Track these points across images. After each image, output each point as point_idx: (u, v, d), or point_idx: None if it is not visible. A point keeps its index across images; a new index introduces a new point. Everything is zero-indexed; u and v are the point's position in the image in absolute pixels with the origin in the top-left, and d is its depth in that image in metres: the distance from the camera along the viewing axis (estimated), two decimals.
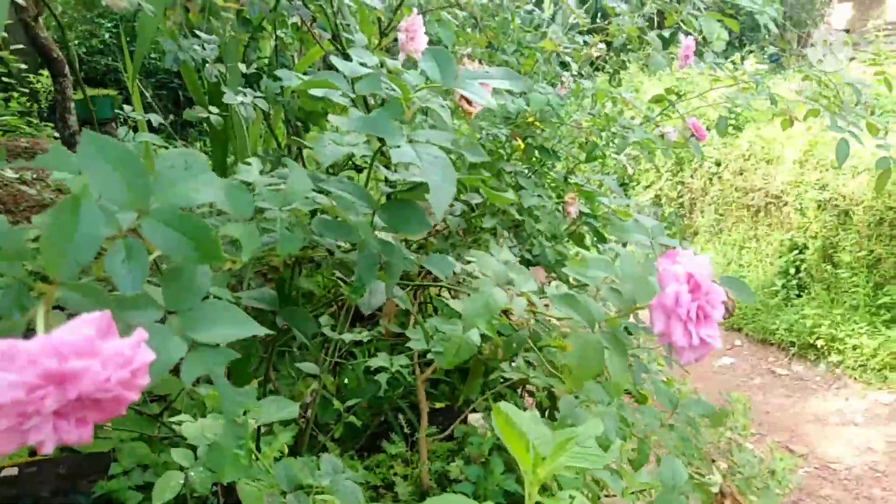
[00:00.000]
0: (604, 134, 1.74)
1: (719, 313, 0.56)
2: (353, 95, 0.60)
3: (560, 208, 1.63)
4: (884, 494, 3.40)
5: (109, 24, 4.40)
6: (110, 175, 0.39)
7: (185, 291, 0.43)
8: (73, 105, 2.69)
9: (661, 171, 6.46)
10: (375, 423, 1.77)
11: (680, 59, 1.59)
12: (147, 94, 3.71)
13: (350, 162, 1.38)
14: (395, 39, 1.90)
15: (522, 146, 1.97)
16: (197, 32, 1.50)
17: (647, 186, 6.62)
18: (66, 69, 2.61)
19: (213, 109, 1.42)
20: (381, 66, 0.68)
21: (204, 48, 1.39)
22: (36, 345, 0.31)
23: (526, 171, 1.90)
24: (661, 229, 0.73)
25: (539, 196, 1.51)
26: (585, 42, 2.01)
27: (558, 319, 0.65)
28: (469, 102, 0.68)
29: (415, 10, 1.03)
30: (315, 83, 0.62)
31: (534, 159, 1.81)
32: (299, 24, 1.72)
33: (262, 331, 0.45)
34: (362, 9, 1.92)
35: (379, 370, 1.36)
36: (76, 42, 4.37)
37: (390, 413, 1.77)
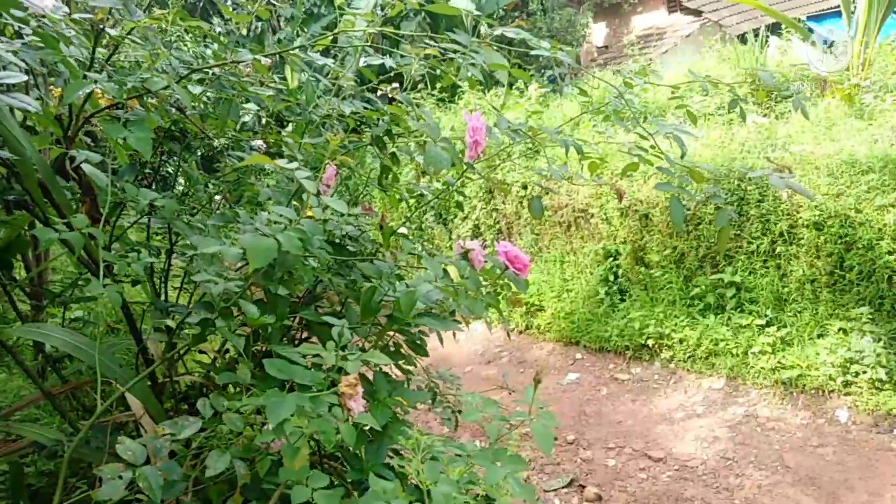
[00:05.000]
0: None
1: None
2: None
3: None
4: (738, 481, 3.55)
5: None
6: None
7: None
8: None
9: (474, 200, 6.54)
10: None
11: (469, 149, 1.37)
12: None
13: None
14: None
15: None
16: None
17: (465, 217, 6.67)
18: None
19: None
20: None
21: None
22: None
23: None
24: None
25: None
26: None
27: None
28: None
29: None
30: None
31: None
32: None
33: None
34: None
35: None
36: None
37: None
